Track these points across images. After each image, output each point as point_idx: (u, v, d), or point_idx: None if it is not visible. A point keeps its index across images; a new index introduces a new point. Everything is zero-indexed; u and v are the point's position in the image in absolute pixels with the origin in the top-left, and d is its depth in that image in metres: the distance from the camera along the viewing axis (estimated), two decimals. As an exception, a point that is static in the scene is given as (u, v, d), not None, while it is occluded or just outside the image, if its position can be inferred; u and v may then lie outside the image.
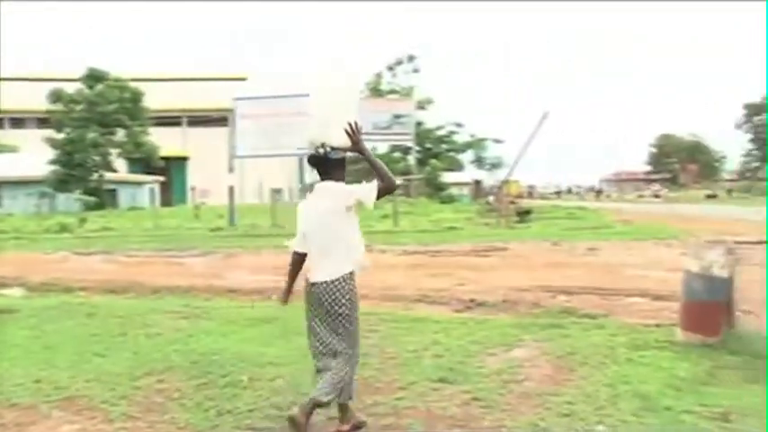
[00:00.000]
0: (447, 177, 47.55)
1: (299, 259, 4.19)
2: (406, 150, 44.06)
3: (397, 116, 36.56)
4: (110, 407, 4.60)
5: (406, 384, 4.90)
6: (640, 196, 63.16)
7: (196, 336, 6.47)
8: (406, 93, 43.18)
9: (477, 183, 53.68)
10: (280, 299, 4.29)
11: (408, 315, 7.51)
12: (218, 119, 54.64)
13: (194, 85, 55.61)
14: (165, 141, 47.08)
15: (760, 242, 6.36)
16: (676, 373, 4.99)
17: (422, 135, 44.59)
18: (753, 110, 62.90)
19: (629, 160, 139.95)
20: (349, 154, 4.14)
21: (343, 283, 3.97)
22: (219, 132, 52.52)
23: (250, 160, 29.66)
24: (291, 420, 3.84)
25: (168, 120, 53.15)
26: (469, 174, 53.17)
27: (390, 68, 45.03)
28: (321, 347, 4.01)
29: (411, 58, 44.74)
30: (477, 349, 5.85)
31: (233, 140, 28.16)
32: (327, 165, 4.08)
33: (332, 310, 3.95)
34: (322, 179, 4.11)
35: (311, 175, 29.67)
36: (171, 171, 53.12)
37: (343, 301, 3.96)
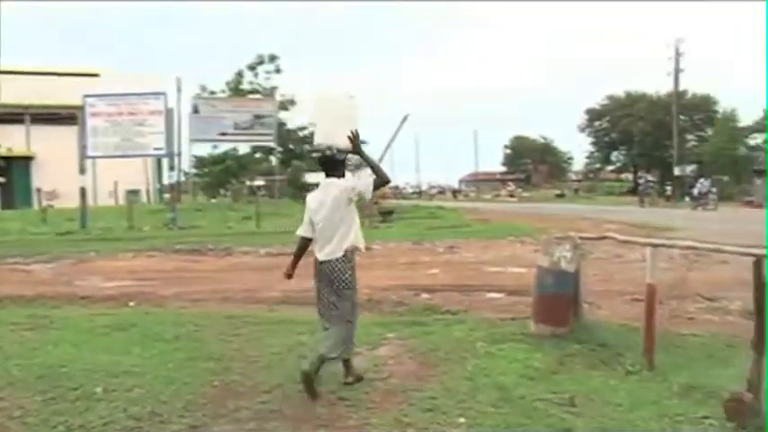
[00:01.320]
0: (310, 178, 47.43)
1: (305, 243, 5.06)
2: (269, 151, 43.50)
3: (259, 116, 35.96)
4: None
5: (270, 387, 4.82)
6: (497, 195, 66.08)
7: (43, 348, 5.99)
8: (269, 93, 42.57)
9: (341, 183, 53.92)
10: (285, 273, 5.13)
11: (272, 317, 7.42)
12: (66, 117, 51.22)
13: (40, 80, 51.88)
14: (5, 140, 43.59)
15: (601, 238, 6.84)
16: (530, 364, 5.25)
17: (285, 136, 44.18)
18: (593, 115, 67.55)
19: (486, 161, 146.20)
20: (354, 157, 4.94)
21: (346, 261, 4.81)
22: (69, 131, 49.31)
23: (105, 160, 28.11)
24: (305, 375, 4.51)
25: (9, 117, 49.23)
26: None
27: (252, 68, 44.11)
28: (328, 312, 4.84)
29: (273, 58, 44.10)
30: (343, 349, 5.87)
31: (83, 140, 26.52)
32: (333, 164, 4.88)
33: (337, 282, 4.79)
34: (327, 176, 4.89)
35: (170, 175, 28.35)
36: (13, 171, 49.23)
37: (347, 275, 4.81)
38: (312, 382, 4.52)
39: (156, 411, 4.34)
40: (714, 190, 35.28)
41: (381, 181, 4.91)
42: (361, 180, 4.86)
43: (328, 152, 4.87)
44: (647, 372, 4.95)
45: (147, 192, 44.47)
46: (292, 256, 5.10)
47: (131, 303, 8.45)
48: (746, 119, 50.45)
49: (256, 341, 6.20)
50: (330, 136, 4.91)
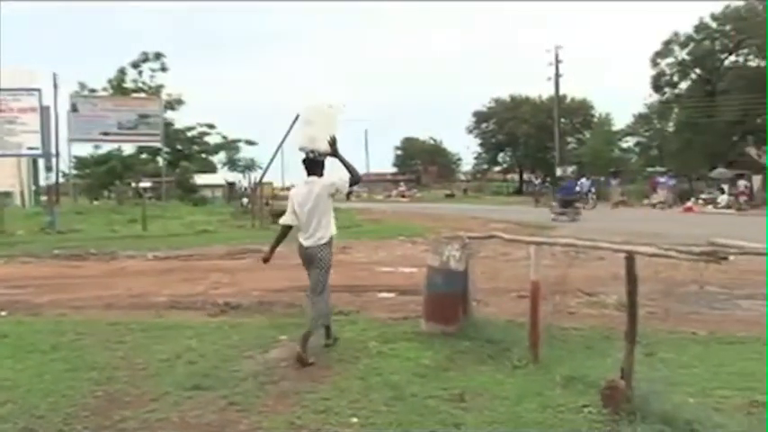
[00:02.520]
0: (199, 179, 46.18)
1: (286, 231, 5.87)
2: (156, 152, 42.02)
3: (144, 116, 34.65)
4: None
5: (157, 395, 4.66)
6: (388, 196, 66.82)
7: None
8: (154, 92, 41.09)
9: (231, 185, 52.86)
10: (263, 258, 6.01)
11: (160, 322, 7.17)
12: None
13: None
14: None
15: (489, 237, 7.04)
16: (422, 362, 5.35)
17: (172, 136, 42.81)
18: (480, 117, 69.63)
19: (378, 161, 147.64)
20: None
21: (325, 246, 5.67)
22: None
23: (-29, 160, 26.25)
24: (298, 357, 5.39)
25: None
26: (223, 176, 52.18)
27: (135, 65, 42.37)
28: (310, 289, 5.73)
29: (158, 56, 42.58)
30: (233, 353, 5.76)
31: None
32: (315, 165, 5.69)
33: (316, 264, 5.65)
34: (309, 174, 5.69)
35: (47, 176, 26.88)
36: None
37: (326, 258, 5.69)
38: (303, 358, 5.39)
39: (29, 427, 4.10)
40: (593, 190, 37.28)
41: (354, 179, 5.70)
42: (340, 178, 5.67)
43: (311, 155, 5.67)
44: (532, 365, 5.14)
45: (22, 194, 41.80)
46: (272, 242, 5.90)
47: (2, 313, 7.92)
48: (619, 123, 53.62)
49: (143, 348, 5.97)
50: (312, 141, 5.66)
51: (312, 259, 5.66)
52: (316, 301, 5.70)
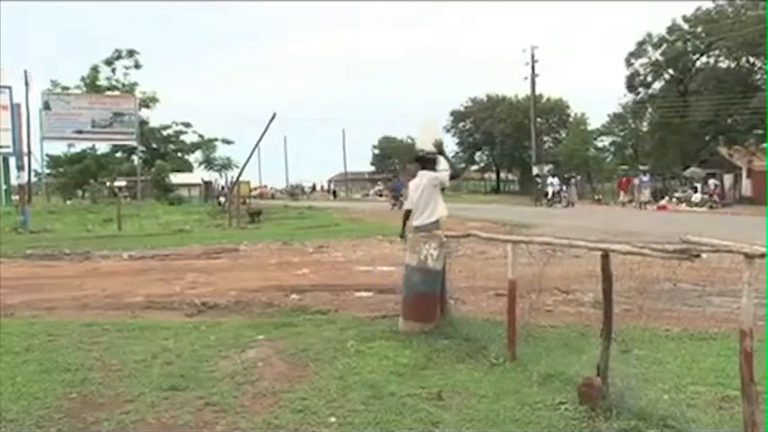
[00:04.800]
0: (176, 178, 45.81)
1: (408, 213, 7.04)
2: (131, 150, 41.60)
3: (119, 114, 34.28)
4: None
5: (133, 397, 4.61)
6: (366, 195, 66.86)
7: None
8: (128, 90, 40.61)
9: (208, 184, 52.49)
10: (399, 234, 7.38)
11: (135, 323, 7.10)
12: None
13: None
14: None
15: (466, 236, 7.07)
16: (400, 361, 5.35)
17: (147, 134, 42.42)
18: (458, 116, 69.85)
19: (356, 161, 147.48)
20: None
21: (432, 225, 6.70)
22: None
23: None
24: None
25: None
26: (199, 175, 51.80)
27: (109, 63, 41.80)
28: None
29: (131, 53, 42.07)
30: (210, 353, 5.72)
31: None
32: (426, 161, 7.00)
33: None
34: (422, 169, 6.98)
35: (19, 175, 26.44)
36: None
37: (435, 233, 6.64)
38: None
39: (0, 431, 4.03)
40: (564, 188, 37.63)
41: (454, 174, 7.37)
42: (444, 172, 7.00)
43: (421, 154, 7.14)
44: (509, 363, 5.17)
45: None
46: (402, 223, 7.18)
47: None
48: (595, 122, 54.15)
49: (118, 349, 5.91)
50: (422, 144, 7.28)
51: (422, 234, 6.77)
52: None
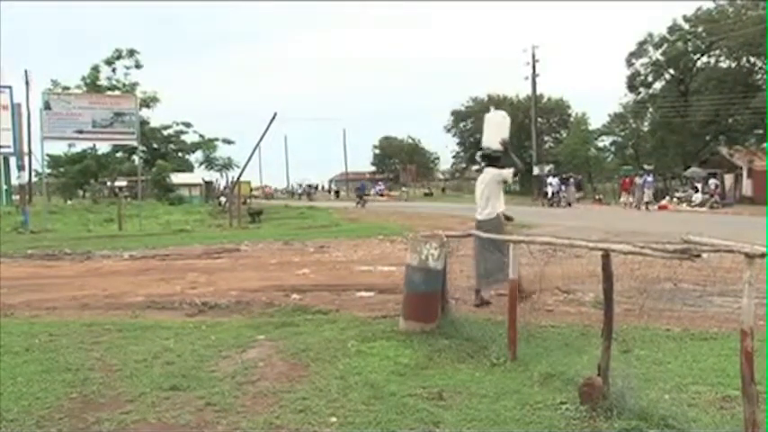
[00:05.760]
0: (176, 178, 45.82)
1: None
2: (132, 150, 41.58)
3: (119, 114, 34.24)
4: None
5: (133, 397, 4.61)
6: (367, 195, 66.80)
7: None
8: (129, 89, 40.60)
9: (208, 184, 52.51)
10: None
11: (136, 323, 7.09)
12: None
13: None
14: None
15: (466, 236, 7.09)
16: (400, 361, 5.35)
17: (147, 134, 42.40)
18: (458, 116, 69.79)
19: (357, 161, 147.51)
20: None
21: (494, 219, 7.40)
22: None
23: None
24: (481, 301, 7.47)
25: None
26: (200, 174, 51.84)
27: (109, 63, 41.74)
28: (480, 255, 7.28)
29: (132, 53, 42.02)
30: (211, 353, 5.72)
31: None
32: (491, 158, 7.61)
33: (486, 231, 7.00)
34: (487, 166, 7.65)
35: (20, 175, 26.38)
36: None
37: (494, 227, 7.23)
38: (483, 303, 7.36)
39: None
40: (563, 188, 37.61)
41: (517, 171, 7.83)
42: (508, 170, 7.57)
43: (488, 151, 7.62)
44: (510, 363, 5.17)
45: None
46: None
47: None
48: (595, 122, 54.14)
49: (119, 349, 5.91)
50: (489, 141, 7.65)
51: (483, 227, 7.25)
52: (486, 258, 7.09)
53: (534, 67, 49.69)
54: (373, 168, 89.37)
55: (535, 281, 6.35)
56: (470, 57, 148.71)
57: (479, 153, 8.04)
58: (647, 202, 32.37)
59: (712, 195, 32.14)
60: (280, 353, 5.72)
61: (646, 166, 36.67)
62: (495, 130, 7.71)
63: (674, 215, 26.91)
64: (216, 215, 30.19)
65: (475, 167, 43.89)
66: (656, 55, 43.86)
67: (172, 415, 4.27)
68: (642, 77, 45.19)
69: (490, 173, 7.51)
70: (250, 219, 26.66)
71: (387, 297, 8.25)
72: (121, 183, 32.20)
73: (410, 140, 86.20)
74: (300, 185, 78.01)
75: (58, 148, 43.38)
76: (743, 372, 3.28)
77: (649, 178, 33.92)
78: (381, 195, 62.28)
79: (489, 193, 7.48)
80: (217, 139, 49.20)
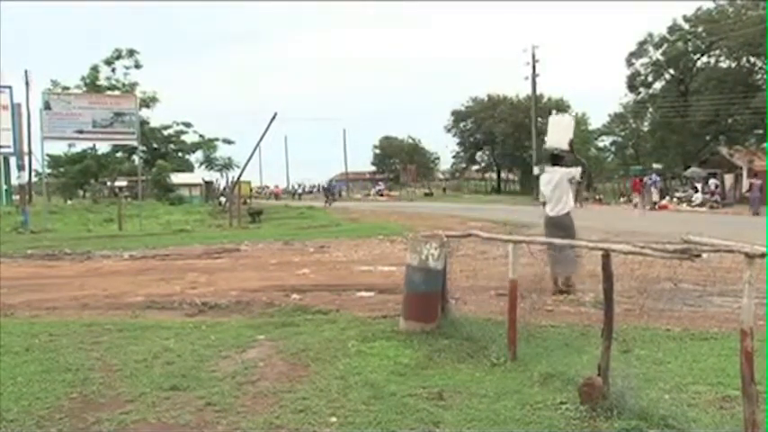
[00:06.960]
0: (176, 178, 45.82)
1: (543, 203, 8.39)
2: (132, 150, 41.58)
3: (119, 114, 34.24)
4: None
5: (134, 397, 4.61)
6: (367, 195, 66.83)
7: None
8: (128, 89, 40.59)
9: (209, 184, 52.51)
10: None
11: (136, 323, 7.09)
12: None
13: None
14: None
15: (466, 236, 7.07)
16: (401, 360, 5.35)
17: (147, 134, 42.40)
18: (459, 116, 69.82)
19: (357, 160, 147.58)
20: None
21: (565, 216, 7.97)
22: None
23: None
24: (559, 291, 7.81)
25: None
26: (200, 174, 51.83)
27: (109, 63, 41.72)
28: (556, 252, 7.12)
29: (132, 53, 42.02)
30: (211, 353, 5.72)
31: None
32: (558, 158, 8.14)
33: (559, 227, 7.76)
34: (553, 165, 8.24)
35: (20, 175, 26.40)
36: None
37: (566, 223, 7.93)
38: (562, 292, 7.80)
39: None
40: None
41: (584, 171, 8.29)
42: (576, 168, 8.05)
43: (555, 151, 8.13)
44: (510, 363, 5.16)
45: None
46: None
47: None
48: (595, 122, 54.22)
49: (119, 349, 5.91)
50: (557, 142, 8.06)
51: (556, 224, 7.90)
52: (563, 257, 7.33)
53: (534, 67, 49.74)
54: (373, 168, 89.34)
55: (534, 281, 6.34)
56: (470, 57, 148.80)
57: (546, 153, 8.72)
58: (654, 203, 32.29)
59: (712, 195, 32.13)
60: (280, 353, 5.71)
61: (654, 165, 36.58)
62: (563, 131, 8.10)
63: (674, 215, 26.90)
64: (216, 215, 30.20)
65: (537, 168, 44.05)
66: (656, 55, 43.90)
67: (172, 415, 4.27)
68: (642, 77, 45.21)
69: (560, 172, 7.98)
70: (250, 219, 26.67)
71: (387, 297, 8.25)
72: (121, 183, 32.18)
73: (410, 140, 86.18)
74: (300, 185, 77.93)
75: (58, 148, 43.42)
76: (743, 372, 3.28)
77: (657, 178, 33.85)
78: (381, 195, 62.29)
79: (561, 191, 7.98)
80: (217, 139, 49.24)
